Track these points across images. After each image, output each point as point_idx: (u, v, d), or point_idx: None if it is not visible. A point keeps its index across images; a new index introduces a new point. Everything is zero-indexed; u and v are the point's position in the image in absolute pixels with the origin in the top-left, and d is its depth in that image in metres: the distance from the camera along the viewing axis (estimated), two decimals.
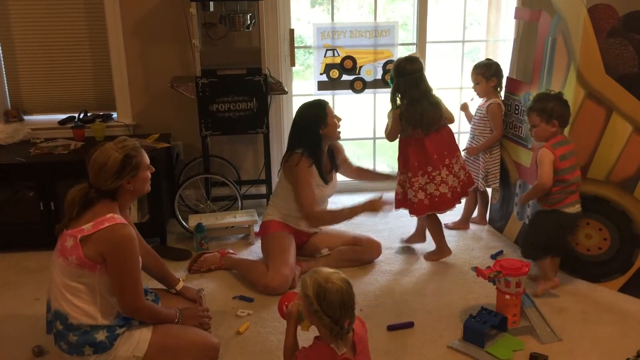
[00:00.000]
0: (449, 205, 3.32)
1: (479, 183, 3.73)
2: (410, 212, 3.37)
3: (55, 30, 4.04)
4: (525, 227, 3.52)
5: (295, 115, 3.29)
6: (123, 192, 2.28)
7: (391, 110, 3.32)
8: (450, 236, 3.73)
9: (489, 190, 3.88)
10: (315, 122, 3.20)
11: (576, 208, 2.98)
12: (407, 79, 3.20)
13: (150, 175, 2.38)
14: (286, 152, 3.28)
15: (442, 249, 3.45)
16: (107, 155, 2.22)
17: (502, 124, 3.62)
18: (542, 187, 2.92)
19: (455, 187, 3.33)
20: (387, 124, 3.36)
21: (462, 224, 3.88)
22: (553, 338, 2.65)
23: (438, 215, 3.42)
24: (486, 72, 3.62)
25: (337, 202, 3.72)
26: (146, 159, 2.35)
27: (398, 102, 3.27)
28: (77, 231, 2.17)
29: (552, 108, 2.91)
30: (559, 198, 2.95)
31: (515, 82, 3.63)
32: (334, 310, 1.89)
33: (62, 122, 4.06)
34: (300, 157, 3.18)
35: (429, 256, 3.48)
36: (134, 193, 2.34)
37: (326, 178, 3.29)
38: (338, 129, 3.27)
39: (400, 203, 3.41)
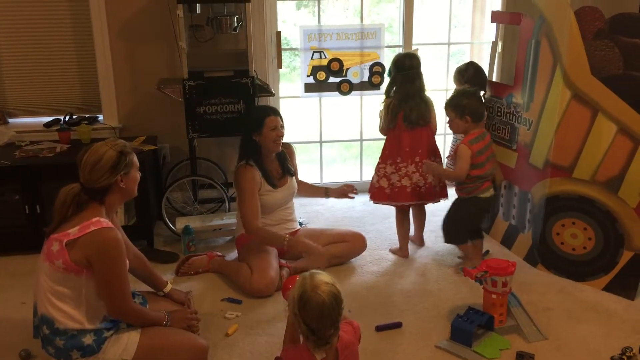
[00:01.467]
0: (405, 199, 3.41)
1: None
2: (370, 197, 3.51)
3: (40, 32, 4.01)
4: (510, 228, 3.56)
5: (247, 121, 3.32)
6: (114, 191, 2.27)
7: (383, 102, 3.42)
8: (437, 237, 3.76)
9: None
10: (251, 127, 3.24)
11: (490, 192, 3.26)
12: (404, 74, 3.33)
13: (139, 178, 2.38)
14: (238, 161, 3.29)
15: (401, 247, 3.55)
16: (101, 152, 2.22)
17: None
18: (455, 178, 3.27)
19: (419, 186, 3.40)
20: (381, 119, 3.44)
21: None
22: (539, 337, 2.67)
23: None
24: (461, 79, 3.65)
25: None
26: (137, 160, 2.36)
27: (392, 94, 3.39)
28: (63, 235, 2.16)
29: (465, 104, 3.18)
30: (474, 187, 3.21)
31: (497, 84, 3.66)
32: (311, 320, 1.88)
33: (47, 125, 4.03)
34: (244, 168, 3.19)
35: (393, 250, 3.61)
36: (124, 193, 2.33)
37: (275, 184, 3.28)
38: (275, 141, 3.24)
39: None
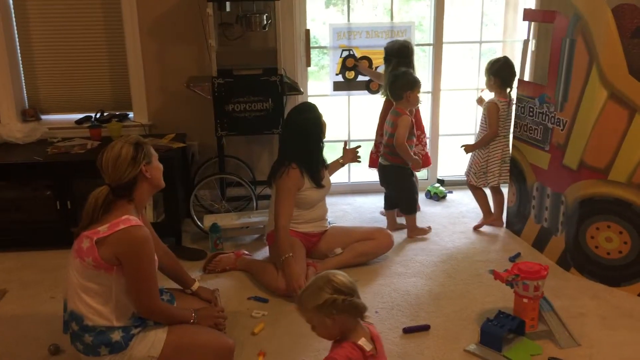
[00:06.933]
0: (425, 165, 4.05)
1: (471, 178, 3.82)
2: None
3: (72, 30, 4.07)
4: (543, 230, 3.49)
5: (294, 123, 3.23)
6: (141, 183, 2.27)
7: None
8: (466, 238, 3.71)
9: (505, 190, 3.85)
10: (320, 126, 3.24)
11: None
12: (410, 59, 3.81)
13: (162, 168, 2.39)
14: (280, 163, 3.20)
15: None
16: (117, 148, 2.23)
17: (497, 123, 3.65)
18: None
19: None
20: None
21: (488, 219, 3.88)
22: (572, 343, 2.61)
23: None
24: (490, 69, 3.69)
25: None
26: (154, 150, 2.37)
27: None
28: (93, 233, 2.17)
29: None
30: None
31: (528, 84, 3.58)
32: (347, 288, 1.93)
33: (79, 122, 4.09)
34: (294, 171, 3.14)
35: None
36: (151, 183, 2.33)
37: (321, 183, 3.27)
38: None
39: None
